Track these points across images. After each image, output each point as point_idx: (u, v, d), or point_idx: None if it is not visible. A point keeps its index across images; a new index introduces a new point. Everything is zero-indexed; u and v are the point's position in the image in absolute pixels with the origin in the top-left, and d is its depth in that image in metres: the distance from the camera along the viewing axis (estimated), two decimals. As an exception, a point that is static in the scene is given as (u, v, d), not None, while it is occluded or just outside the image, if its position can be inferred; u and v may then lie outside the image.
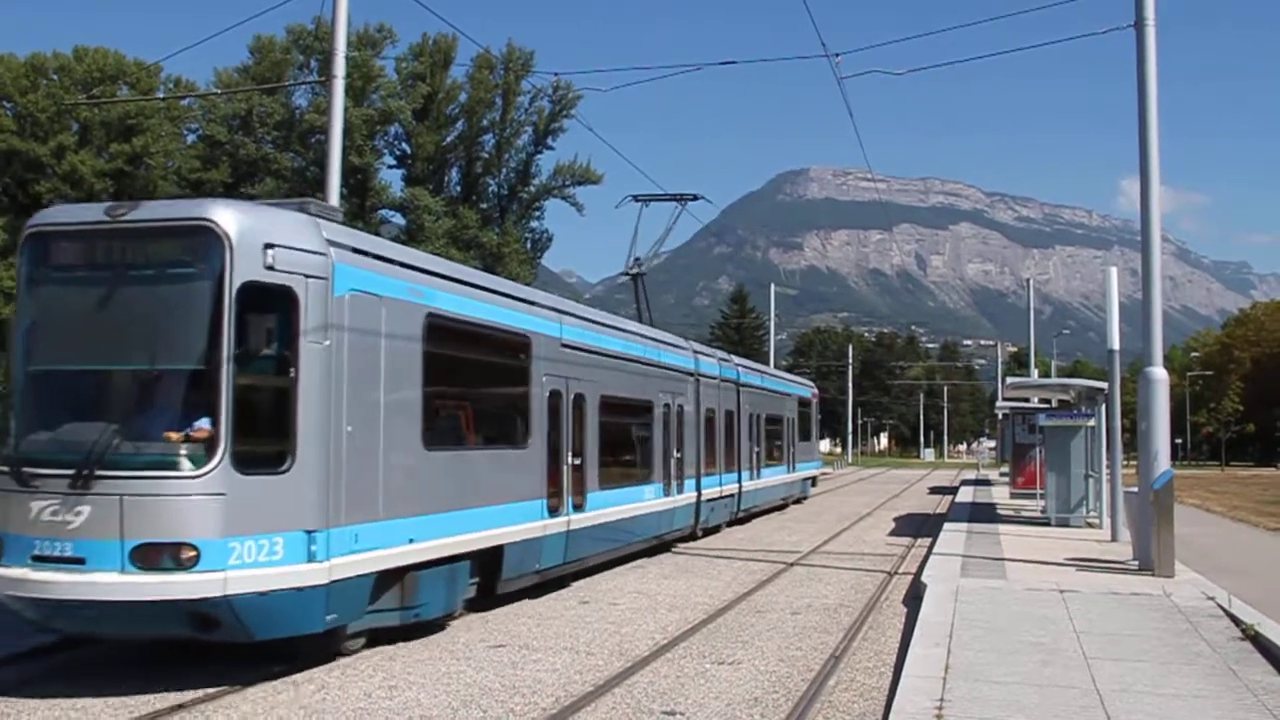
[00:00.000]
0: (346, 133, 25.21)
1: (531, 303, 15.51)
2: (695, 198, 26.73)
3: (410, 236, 59.99)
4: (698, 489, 23.32)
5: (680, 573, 18.77)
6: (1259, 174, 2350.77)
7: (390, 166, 69.14)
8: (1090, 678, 9.71)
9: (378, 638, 11.74)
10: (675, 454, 21.69)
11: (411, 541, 11.56)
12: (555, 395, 15.73)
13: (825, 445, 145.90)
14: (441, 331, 12.51)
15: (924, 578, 16.21)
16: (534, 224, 71.94)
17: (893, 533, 27.69)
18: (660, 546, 21.55)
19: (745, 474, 28.04)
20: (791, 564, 20.04)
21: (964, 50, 27.27)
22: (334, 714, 9.06)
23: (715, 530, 25.43)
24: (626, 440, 19.67)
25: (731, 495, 26.53)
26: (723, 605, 15.06)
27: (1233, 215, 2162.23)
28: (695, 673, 10.78)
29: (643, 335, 21.06)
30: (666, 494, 21.11)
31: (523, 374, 14.93)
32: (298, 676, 10.24)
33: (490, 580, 13.75)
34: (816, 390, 43.00)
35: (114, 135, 61.18)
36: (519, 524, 14.25)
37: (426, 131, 66.75)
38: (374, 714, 9.07)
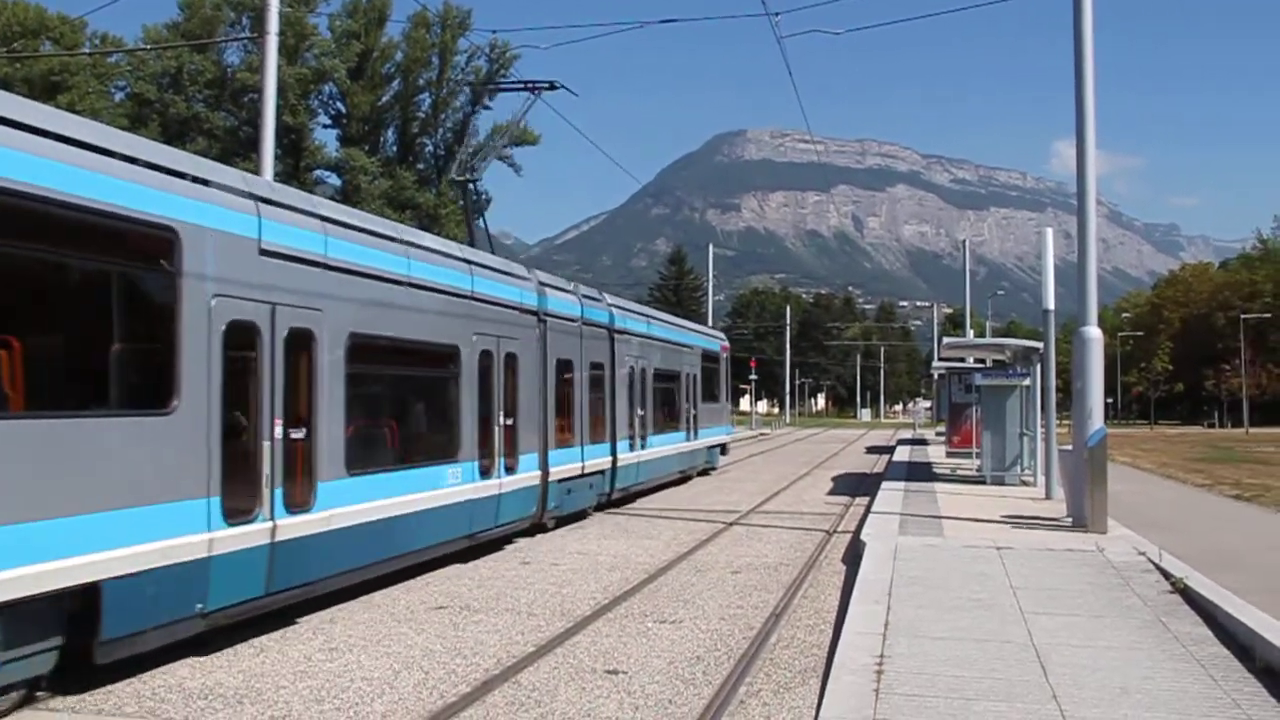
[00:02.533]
0: (280, 92, 24.80)
1: (193, 178, 9.62)
2: (552, 86, 21.56)
3: (346, 197, 59.34)
4: (543, 466, 17.72)
5: (620, 533, 18.80)
6: (1189, 135, 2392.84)
7: (325, 126, 68.54)
8: (1027, 632, 9.86)
9: (312, 604, 11.54)
10: (503, 420, 16.02)
11: None
12: (242, 331, 9.98)
13: (763, 406, 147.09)
14: None
15: (863, 536, 16.35)
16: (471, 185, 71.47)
17: (831, 492, 27.92)
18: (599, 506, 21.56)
19: (624, 444, 22.68)
20: (731, 524, 20.14)
21: (903, 10, 27.29)
22: (273, 677, 8.97)
23: (577, 517, 20.19)
24: (408, 402, 14.21)
25: (601, 471, 21.23)
26: (663, 565, 15.10)
27: (1163, 178, 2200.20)
28: (637, 632, 10.81)
29: (442, 253, 14.78)
30: (485, 475, 15.29)
31: (162, 291, 9.22)
32: (239, 643, 10.12)
33: (85, 640, 8.25)
34: (727, 343, 37.26)
35: (37, 92, 59.58)
36: (146, 543, 8.63)
37: (361, 91, 66.02)
38: (314, 676, 9.00)
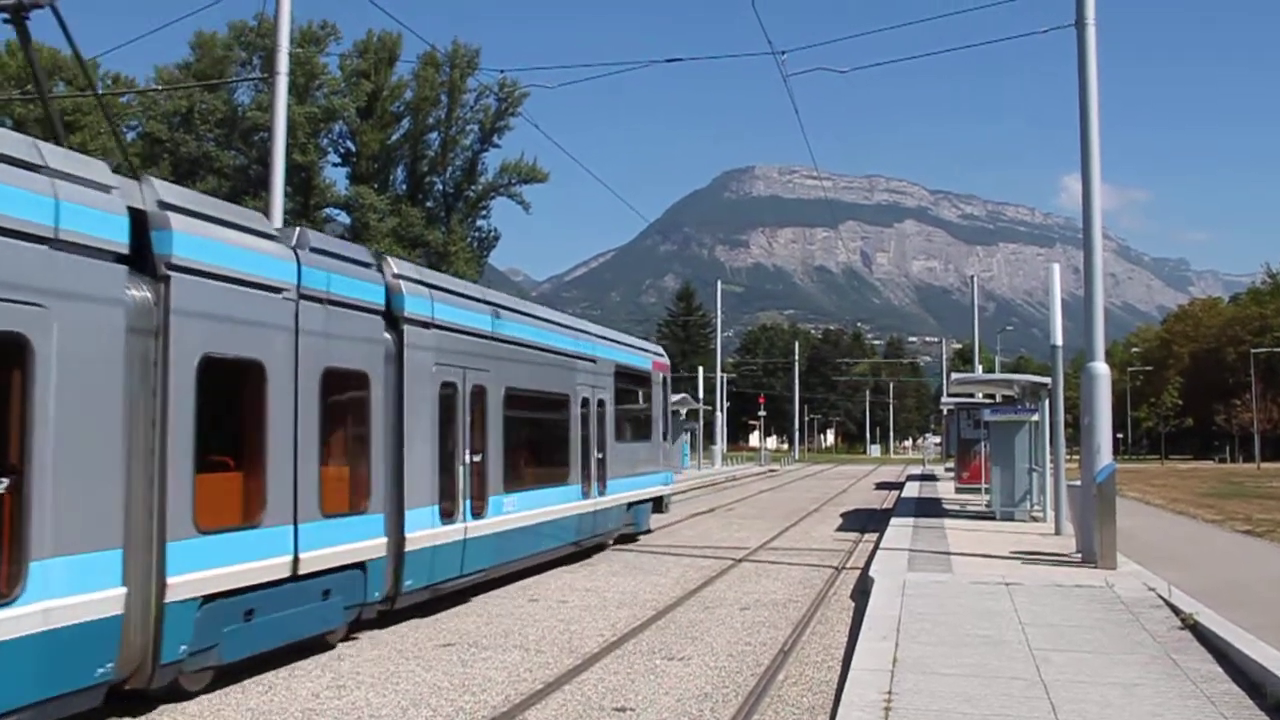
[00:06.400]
0: (290, 130, 24.93)
1: None
2: None
3: (355, 235, 59.60)
4: (153, 574, 8.84)
5: (629, 570, 18.76)
6: (1198, 170, 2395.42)
7: (335, 164, 68.89)
8: (1035, 668, 9.83)
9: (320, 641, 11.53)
10: None
11: None
12: None
13: (772, 442, 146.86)
14: None
15: (871, 572, 16.32)
16: (480, 222, 71.87)
17: (840, 528, 27.86)
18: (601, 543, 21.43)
19: (427, 512, 13.46)
20: (739, 560, 20.10)
21: (908, 48, 27.47)
22: (281, 715, 8.97)
23: (313, 649, 11.44)
24: None
25: (360, 565, 11.86)
26: (672, 602, 15.07)
27: (1172, 212, 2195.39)
28: (645, 669, 10.78)
29: None
30: None
31: None
32: (245, 680, 10.12)
33: None
34: (665, 359, 26.73)
35: (50, 132, 60.15)
36: None
37: (371, 129, 66.37)
38: (322, 714, 8.99)
